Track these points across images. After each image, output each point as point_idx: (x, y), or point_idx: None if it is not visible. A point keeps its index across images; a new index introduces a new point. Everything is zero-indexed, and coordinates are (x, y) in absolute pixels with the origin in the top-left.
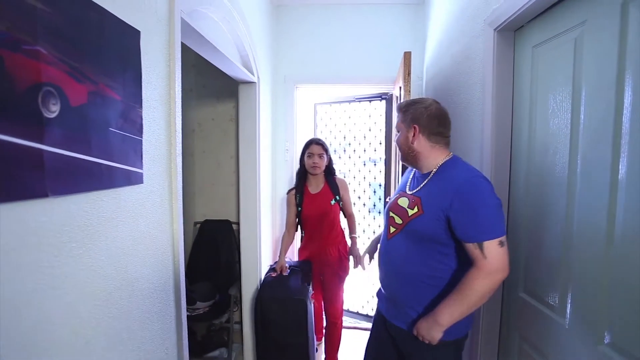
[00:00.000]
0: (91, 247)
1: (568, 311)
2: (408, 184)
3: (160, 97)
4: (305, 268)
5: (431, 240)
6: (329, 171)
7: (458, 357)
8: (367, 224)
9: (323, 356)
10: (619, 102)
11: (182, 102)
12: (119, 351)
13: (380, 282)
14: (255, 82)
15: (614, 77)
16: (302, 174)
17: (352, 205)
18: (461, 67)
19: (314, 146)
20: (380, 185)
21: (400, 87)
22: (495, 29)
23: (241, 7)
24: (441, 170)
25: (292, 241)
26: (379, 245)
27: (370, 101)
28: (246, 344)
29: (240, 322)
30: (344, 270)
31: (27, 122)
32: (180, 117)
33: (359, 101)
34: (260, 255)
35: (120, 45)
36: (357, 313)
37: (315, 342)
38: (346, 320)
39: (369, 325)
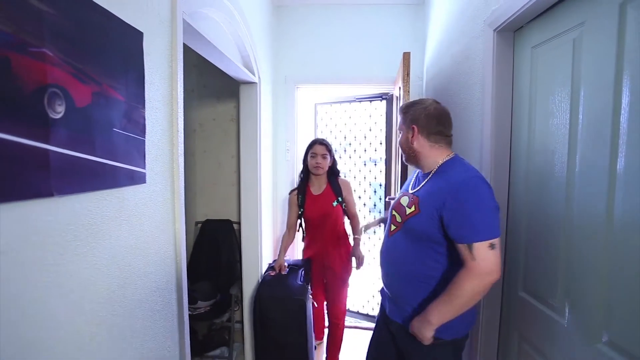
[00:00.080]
0: (95, 246)
1: (567, 310)
2: (411, 183)
3: (162, 97)
4: (304, 267)
5: (427, 239)
6: (333, 172)
7: (457, 357)
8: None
9: (324, 356)
10: (617, 102)
11: (183, 102)
12: (122, 349)
13: (382, 280)
14: (256, 83)
15: (612, 78)
16: (305, 174)
17: (355, 206)
18: (461, 67)
19: (318, 146)
20: (380, 185)
21: (399, 88)
22: (494, 30)
23: (242, 8)
24: (440, 170)
25: (292, 241)
26: (380, 245)
27: (370, 101)
28: (247, 343)
29: (241, 322)
30: (347, 272)
31: (33, 122)
32: (182, 117)
33: (360, 101)
34: (261, 254)
35: (124, 47)
36: (358, 313)
37: (314, 342)
38: (347, 320)
39: (370, 324)
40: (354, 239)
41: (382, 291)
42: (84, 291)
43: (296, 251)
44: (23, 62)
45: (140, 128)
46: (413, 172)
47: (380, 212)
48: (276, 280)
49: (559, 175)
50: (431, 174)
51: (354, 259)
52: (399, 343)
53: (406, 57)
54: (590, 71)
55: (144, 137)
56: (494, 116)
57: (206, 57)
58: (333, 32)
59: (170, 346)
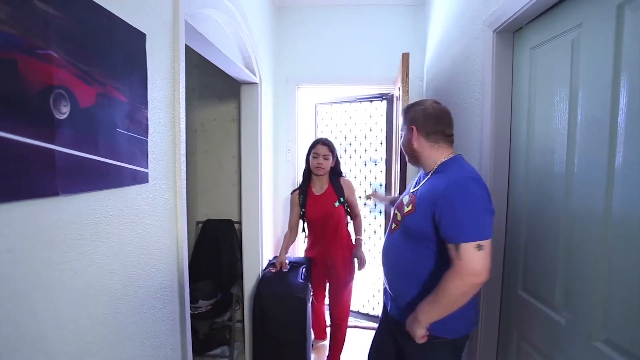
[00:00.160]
0: (99, 245)
1: (565, 309)
2: (414, 183)
3: (165, 98)
4: (306, 265)
5: (422, 237)
6: (335, 172)
7: (457, 357)
8: (367, 223)
9: (326, 355)
10: (615, 102)
11: (185, 102)
12: (125, 346)
13: (384, 278)
14: (257, 83)
15: (610, 79)
16: (307, 174)
17: (359, 206)
18: (461, 68)
19: (320, 146)
20: (381, 185)
21: (399, 88)
22: (494, 31)
23: (243, 9)
24: (439, 170)
25: (294, 241)
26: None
27: (371, 101)
28: (247, 342)
29: (242, 321)
30: (350, 273)
31: (39, 123)
32: (184, 117)
33: (360, 101)
34: (261, 254)
35: (127, 48)
36: (358, 312)
37: (312, 340)
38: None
39: (370, 324)
40: (356, 239)
41: (384, 290)
42: (87, 289)
43: (297, 251)
44: (30, 64)
45: (143, 128)
46: (418, 172)
47: (380, 212)
48: (277, 277)
49: (558, 175)
50: (430, 174)
51: (355, 260)
52: (399, 341)
53: (405, 57)
54: (589, 72)
55: (147, 138)
56: (494, 116)
57: (208, 58)
58: (334, 33)
59: (172, 344)
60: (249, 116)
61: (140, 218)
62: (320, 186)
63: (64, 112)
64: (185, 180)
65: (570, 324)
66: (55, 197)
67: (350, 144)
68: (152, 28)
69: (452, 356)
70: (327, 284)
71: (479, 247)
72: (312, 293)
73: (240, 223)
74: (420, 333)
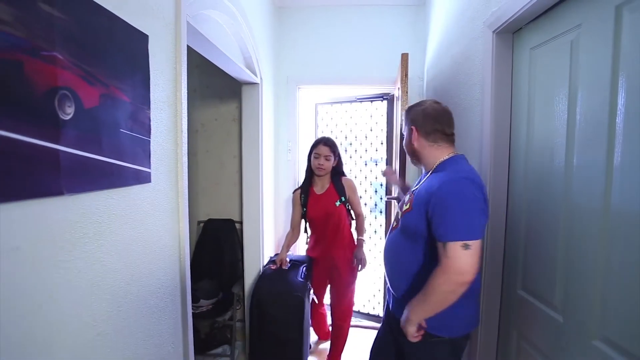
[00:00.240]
0: (103, 244)
1: (564, 308)
2: (416, 182)
3: (167, 98)
4: (307, 264)
5: (417, 235)
6: (337, 172)
7: (456, 356)
8: (367, 223)
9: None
10: (613, 103)
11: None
12: (128, 344)
13: (385, 275)
14: (258, 83)
15: (609, 79)
16: (309, 173)
17: (363, 205)
18: (461, 68)
19: (321, 147)
20: (381, 185)
21: (398, 88)
22: (494, 31)
23: (244, 10)
24: (437, 169)
25: (296, 240)
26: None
27: (371, 101)
28: (245, 339)
29: (243, 320)
30: (351, 274)
31: (44, 123)
32: (186, 118)
33: (360, 101)
34: (262, 254)
35: (130, 49)
36: (359, 312)
37: (315, 341)
38: None
39: (371, 323)
40: (358, 239)
41: (387, 288)
42: (91, 287)
43: (298, 252)
44: (35, 66)
45: (146, 128)
46: (419, 172)
47: (381, 212)
48: (276, 274)
49: (557, 174)
50: (429, 173)
51: (355, 261)
52: (399, 339)
53: (404, 58)
54: (588, 72)
55: (149, 138)
56: (494, 116)
57: (209, 59)
58: (334, 33)
59: (174, 343)
60: (249, 116)
61: (143, 217)
62: (321, 185)
63: (68, 112)
64: (187, 180)
65: (569, 322)
66: (60, 196)
67: (350, 144)
68: (155, 29)
69: (451, 355)
70: (329, 285)
71: (466, 247)
72: (312, 293)
73: (241, 223)
74: (411, 331)
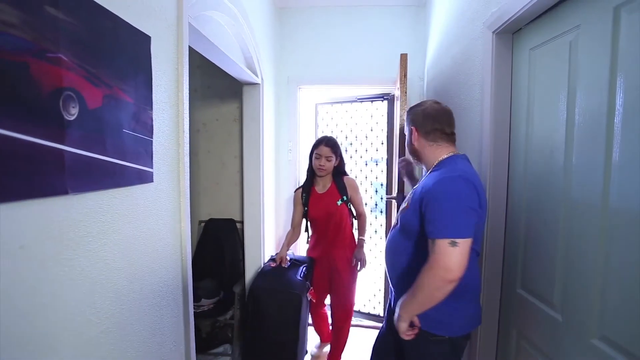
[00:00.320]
0: (106, 242)
1: (563, 307)
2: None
3: (169, 99)
4: (307, 265)
5: (413, 233)
6: (339, 171)
7: (456, 356)
8: (368, 223)
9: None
10: (612, 103)
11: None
12: (130, 341)
13: (387, 273)
14: (259, 84)
15: (607, 79)
16: (310, 173)
17: (364, 205)
18: (461, 68)
19: (323, 147)
20: (382, 184)
21: (398, 88)
22: (493, 32)
23: (245, 10)
24: (436, 168)
25: (296, 239)
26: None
27: (372, 101)
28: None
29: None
30: (352, 274)
31: (49, 124)
32: (188, 118)
33: (361, 101)
34: (263, 253)
35: (133, 51)
36: (359, 312)
37: (306, 342)
38: None
39: (371, 323)
40: (358, 239)
41: (390, 286)
42: (94, 285)
43: (299, 252)
44: (41, 67)
45: (148, 129)
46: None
47: (381, 211)
48: (275, 272)
49: (556, 174)
50: (429, 172)
51: (355, 260)
52: (399, 337)
53: (403, 58)
54: (586, 72)
55: (152, 138)
56: (493, 116)
57: (210, 59)
58: (335, 33)
59: (175, 341)
60: (250, 116)
61: (145, 216)
62: (323, 185)
63: (73, 113)
64: (188, 180)
65: (568, 321)
66: (64, 195)
67: (351, 144)
68: (157, 30)
69: (451, 355)
70: (330, 285)
71: (453, 244)
72: (311, 294)
73: (242, 222)
74: (403, 327)
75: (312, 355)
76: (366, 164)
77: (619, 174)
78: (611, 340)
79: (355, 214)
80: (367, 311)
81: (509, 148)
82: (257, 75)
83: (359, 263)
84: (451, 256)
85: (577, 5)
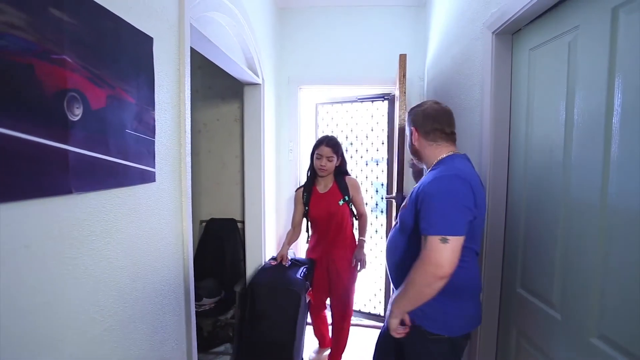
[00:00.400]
0: (109, 241)
1: (562, 306)
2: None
3: (171, 99)
4: (308, 266)
5: (411, 230)
6: (340, 171)
7: (455, 355)
8: (369, 222)
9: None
10: (610, 103)
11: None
12: (133, 339)
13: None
14: (260, 84)
15: (606, 80)
16: (312, 172)
17: (365, 205)
18: (461, 68)
19: (324, 148)
20: (382, 184)
21: (397, 88)
22: (493, 32)
23: (246, 11)
24: (434, 167)
25: (297, 238)
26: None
27: (372, 101)
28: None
29: None
30: (351, 275)
31: (54, 124)
32: (190, 118)
33: (361, 101)
34: (264, 253)
35: (135, 52)
36: (360, 311)
37: (303, 343)
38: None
39: (372, 322)
40: (359, 240)
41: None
42: (98, 284)
43: (299, 253)
44: (45, 69)
45: (150, 129)
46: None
47: (382, 211)
48: (275, 269)
49: (555, 173)
50: (428, 171)
51: (355, 261)
52: None
53: (402, 58)
54: (585, 73)
55: (154, 138)
56: (493, 116)
57: (212, 60)
58: (335, 34)
59: (177, 339)
60: (251, 116)
61: (148, 216)
62: (324, 184)
63: (76, 114)
64: (190, 180)
65: (567, 320)
66: (68, 195)
67: (351, 144)
68: (159, 32)
69: (450, 354)
70: (329, 286)
71: (444, 240)
72: (309, 294)
73: (243, 222)
74: (393, 324)
75: None
76: (366, 164)
77: (617, 174)
78: (610, 339)
79: (356, 214)
80: (367, 311)
81: (508, 148)
82: (257, 76)
83: (359, 263)
84: (442, 252)
85: (575, 6)
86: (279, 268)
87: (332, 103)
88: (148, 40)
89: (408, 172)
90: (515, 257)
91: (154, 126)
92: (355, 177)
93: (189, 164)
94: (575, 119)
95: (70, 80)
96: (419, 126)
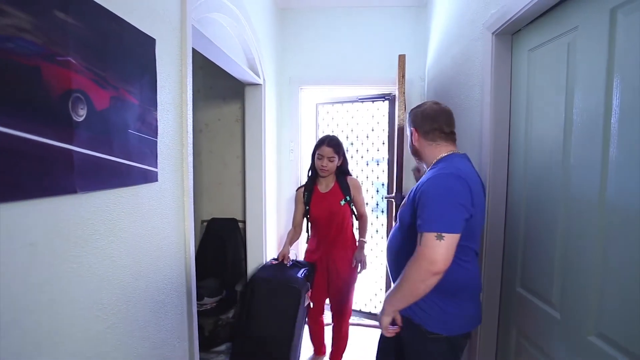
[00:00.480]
0: (113, 240)
1: (561, 305)
2: None
3: (173, 100)
4: (309, 268)
5: (408, 228)
6: (342, 171)
7: (454, 355)
8: (369, 222)
9: None
10: (608, 103)
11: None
12: (135, 337)
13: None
14: (260, 84)
15: (604, 80)
16: (313, 172)
17: (365, 205)
18: (461, 69)
19: (325, 148)
20: (383, 184)
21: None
22: (493, 33)
23: (247, 12)
24: (433, 166)
25: (298, 237)
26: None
27: (373, 101)
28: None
29: None
30: (351, 275)
31: (59, 125)
32: (191, 118)
33: (362, 101)
34: (265, 252)
35: (138, 53)
36: (360, 311)
37: (301, 345)
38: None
39: (372, 322)
40: (359, 241)
41: None
42: (102, 282)
43: (301, 254)
44: (51, 70)
45: (153, 129)
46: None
47: (382, 211)
48: (276, 267)
49: (555, 173)
50: (427, 170)
51: (355, 262)
52: (400, 333)
53: (401, 59)
54: (584, 73)
55: (156, 138)
56: (493, 116)
57: (213, 60)
58: (336, 34)
59: (179, 338)
60: (252, 117)
61: (150, 215)
62: (326, 184)
63: (81, 114)
64: (192, 179)
65: (565, 319)
66: (73, 194)
67: (352, 144)
68: (161, 33)
69: (448, 353)
70: (329, 288)
71: (439, 237)
72: (308, 295)
73: (244, 222)
74: (385, 321)
75: None
76: (367, 164)
77: (615, 173)
78: (608, 338)
79: (356, 215)
80: (368, 310)
81: (508, 147)
82: (259, 76)
83: (360, 264)
84: (437, 249)
85: (574, 7)
86: (280, 266)
87: (333, 103)
88: (151, 42)
89: (408, 172)
90: (515, 257)
91: (156, 127)
92: (356, 177)
93: (191, 164)
94: (574, 119)
95: (75, 82)
96: (418, 126)
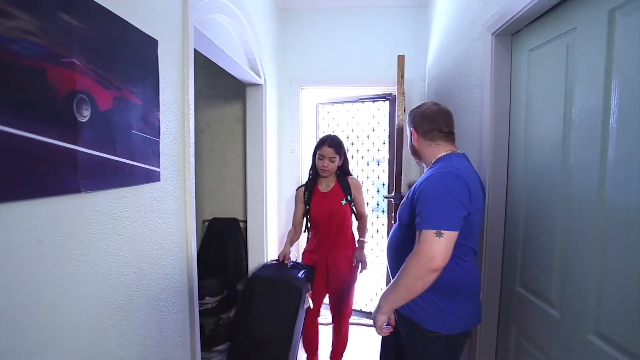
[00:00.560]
0: (116, 239)
1: (560, 304)
2: None
3: (175, 100)
4: (308, 270)
5: (407, 226)
6: (343, 171)
7: (454, 354)
8: (370, 222)
9: None
10: (607, 104)
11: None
12: (138, 335)
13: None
14: (261, 84)
15: (603, 81)
16: (314, 172)
17: (366, 206)
18: (461, 69)
19: (326, 148)
20: (383, 184)
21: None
22: (493, 33)
23: (249, 12)
24: (432, 165)
25: (298, 237)
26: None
27: (373, 101)
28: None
29: None
30: (351, 275)
31: (64, 125)
32: (193, 119)
33: (362, 101)
34: (266, 252)
35: (141, 54)
36: (360, 311)
37: (299, 343)
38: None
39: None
40: (359, 241)
41: None
42: (105, 280)
43: (299, 255)
44: (56, 72)
45: (156, 129)
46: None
47: (383, 211)
48: (277, 267)
49: (554, 173)
50: (427, 170)
51: (356, 261)
52: (400, 332)
53: (400, 59)
54: (583, 74)
55: (159, 138)
56: (493, 116)
57: (215, 61)
58: (337, 34)
59: (181, 336)
60: (253, 117)
61: (153, 214)
62: (326, 184)
63: (85, 115)
64: (194, 179)
65: (564, 318)
66: (77, 194)
67: (352, 144)
68: (164, 34)
69: (447, 351)
70: (328, 288)
71: (438, 234)
72: (309, 295)
73: (245, 222)
74: (380, 320)
75: None
76: (368, 164)
77: (614, 173)
78: (606, 336)
79: (356, 215)
80: (368, 310)
81: (508, 147)
82: (260, 76)
83: (360, 264)
84: (436, 245)
85: (573, 8)
86: (281, 266)
87: (333, 103)
88: (153, 43)
89: (408, 172)
90: (515, 256)
91: (159, 127)
92: (356, 177)
93: (193, 164)
94: (573, 119)
95: (79, 83)
96: (417, 126)
